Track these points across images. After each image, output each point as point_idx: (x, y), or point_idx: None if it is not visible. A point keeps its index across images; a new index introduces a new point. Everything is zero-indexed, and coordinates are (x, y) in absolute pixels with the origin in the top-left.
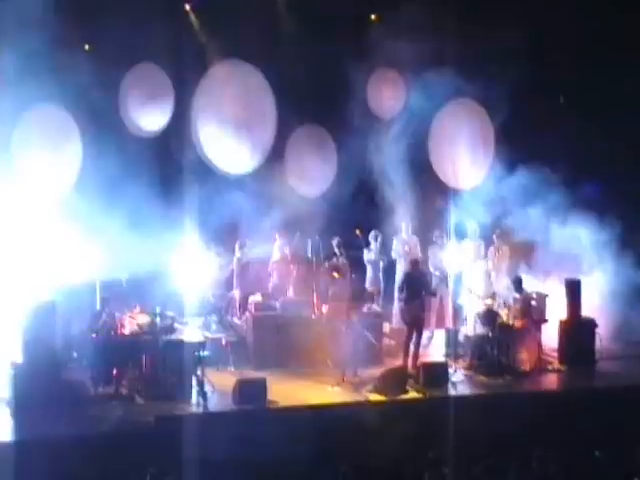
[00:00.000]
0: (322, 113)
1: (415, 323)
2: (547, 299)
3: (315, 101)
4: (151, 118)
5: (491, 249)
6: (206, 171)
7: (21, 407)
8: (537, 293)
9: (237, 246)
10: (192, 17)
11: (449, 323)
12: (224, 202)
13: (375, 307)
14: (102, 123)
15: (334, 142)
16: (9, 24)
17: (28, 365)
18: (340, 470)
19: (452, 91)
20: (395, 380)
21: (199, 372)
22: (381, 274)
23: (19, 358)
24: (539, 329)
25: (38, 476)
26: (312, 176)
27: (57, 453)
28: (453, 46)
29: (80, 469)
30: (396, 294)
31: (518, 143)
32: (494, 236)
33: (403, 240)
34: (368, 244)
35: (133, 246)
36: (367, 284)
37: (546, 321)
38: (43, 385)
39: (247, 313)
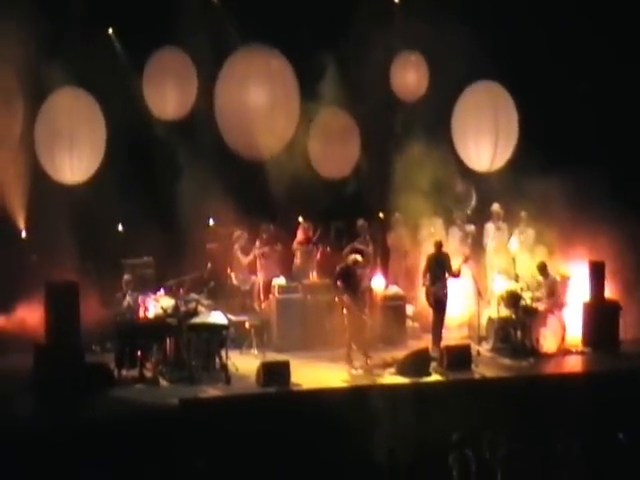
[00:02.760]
0: (345, 96)
1: (439, 305)
2: (571, 282)
3: (338, 83)
4: (175, 103)
5: (516, 232)
6: (228, 156)
7: (44, 389)
8: (561, 275)
9: (261, 230)
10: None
11: (473, 306)
12: (247, 187)
13: (398, 290)
14: (125, 107)
15: (358, 126)
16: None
17: (51, 347)
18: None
19: (476, 73)
20: (418, 362)
21: (223, 355)
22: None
23: (42, 340)
24: (563, 312)
25: (61, 459)
26: (335, 159)
27: (80, 436)
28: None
29: (104, 452)
30: (420, 276)
31: (543, 126)
32: (521, 220)
33: (427, 223)
34: (392, 227)
35: (158, 230)
36: (390, 267)
37: (569, 304)
38: (67, 368)
39: (271, 296)
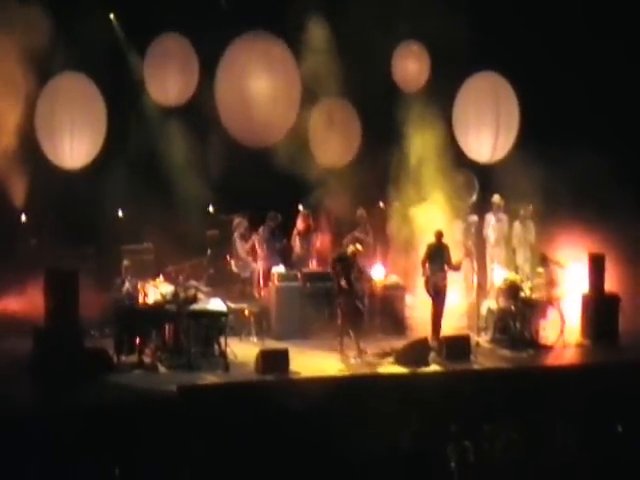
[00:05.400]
0: (345, 85)
1: (438, 295)
2: (570, 273)
3: (338, 74)
4: (176, 89)
5: (516, 223)
6: (229, 143)
7: (43, 374)
8: (560, 267)
9: (267, 218)
10: None
11: (472, 297)
12: (247, 175)
13: (398, 279)
14: (126, 93)
15: (358, 114)
16: None
17: (50, 332)
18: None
19: (477, 64)
20: (417, 352)
21: (222, 342)
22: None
23: (42, 324)
24: (562, 304)
25: (59, 444)
26: (336, 148)
27: (78, 421)
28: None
29: (102, 437)
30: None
31: (544, 117)
32: (521, 211)
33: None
34: (392, 217)
35: (158, 216)
36: (390, 256)
37: (569, 296)
38: (65, 353)
39: (270, 284)
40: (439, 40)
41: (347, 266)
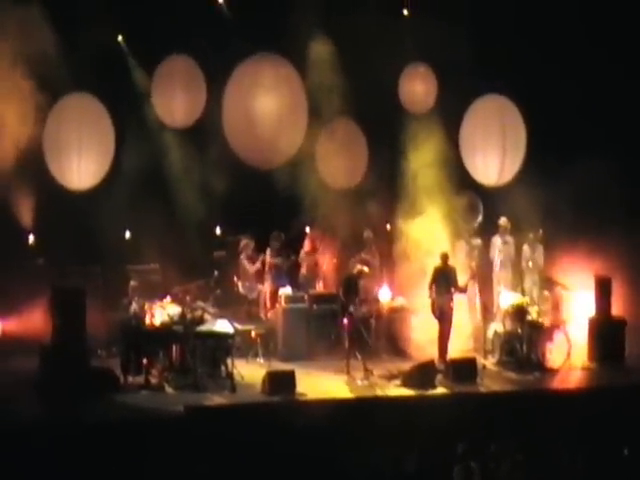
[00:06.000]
0: (352, 107)
1: (444, 317)
2: (577, 296)
3: (345, 95)
4: (183, 111)
5: (525, 247)
6: (236, 164)
7: (49, 393)
8: (566, 290)
9: (272, 238)
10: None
11: (477, 318)
12: (254, 196)
13: (404, 301)
14: (133, 114)
15: (365, 136)
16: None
17: (57, 351)
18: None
19: (484, 87)
20: (424, 374)
21: (229, 363)
22: None
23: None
24: (569, 327)
25: (65, 463)
26: (343, 170)
27: (85, 441)
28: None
29: (108, 457)
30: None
31: (550, 140)
32: (530, 235)
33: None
34: (398, 238)
35: (164, 236)
36: (396, 278)
37: (575, 319)
38: (71, 372)
39: (277, 305)
40: (446, 61)
41: (353, 287)
